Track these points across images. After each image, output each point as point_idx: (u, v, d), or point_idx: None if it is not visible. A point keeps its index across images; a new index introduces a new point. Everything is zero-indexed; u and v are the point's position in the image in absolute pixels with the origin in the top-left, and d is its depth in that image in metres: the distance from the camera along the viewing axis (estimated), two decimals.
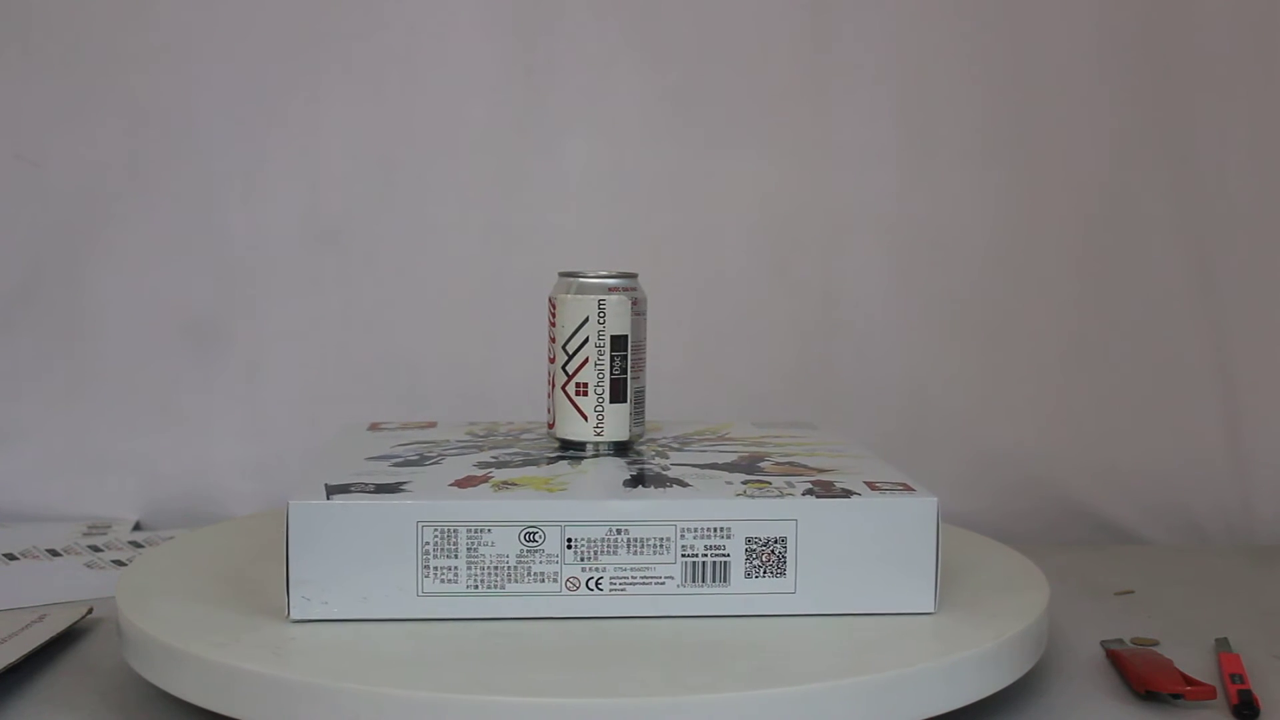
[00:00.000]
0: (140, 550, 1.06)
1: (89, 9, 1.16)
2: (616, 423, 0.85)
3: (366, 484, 0.76)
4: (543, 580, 0.73)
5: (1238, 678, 0.76)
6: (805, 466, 0.82)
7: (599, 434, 0.85)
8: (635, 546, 0.73)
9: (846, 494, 0.75)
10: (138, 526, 1.16)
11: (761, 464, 0.83)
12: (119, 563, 1.03)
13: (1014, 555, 0.88)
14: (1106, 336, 1.19)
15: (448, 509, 0.73)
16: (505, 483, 0.77)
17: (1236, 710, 0.73)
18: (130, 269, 1.19)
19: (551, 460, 0.84)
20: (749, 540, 0.73)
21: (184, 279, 1.19)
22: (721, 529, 0.73)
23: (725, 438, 0.93)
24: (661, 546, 0.73)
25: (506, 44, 1.19)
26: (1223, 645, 0.84)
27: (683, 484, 0.77)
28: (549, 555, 0.73)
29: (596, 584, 0.73)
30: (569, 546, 0.73)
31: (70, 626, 0.84)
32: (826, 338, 1.20)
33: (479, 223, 1.20)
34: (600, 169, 1.20)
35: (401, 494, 0.74)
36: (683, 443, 0.91)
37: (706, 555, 0.73)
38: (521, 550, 0.73)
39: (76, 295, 1.19)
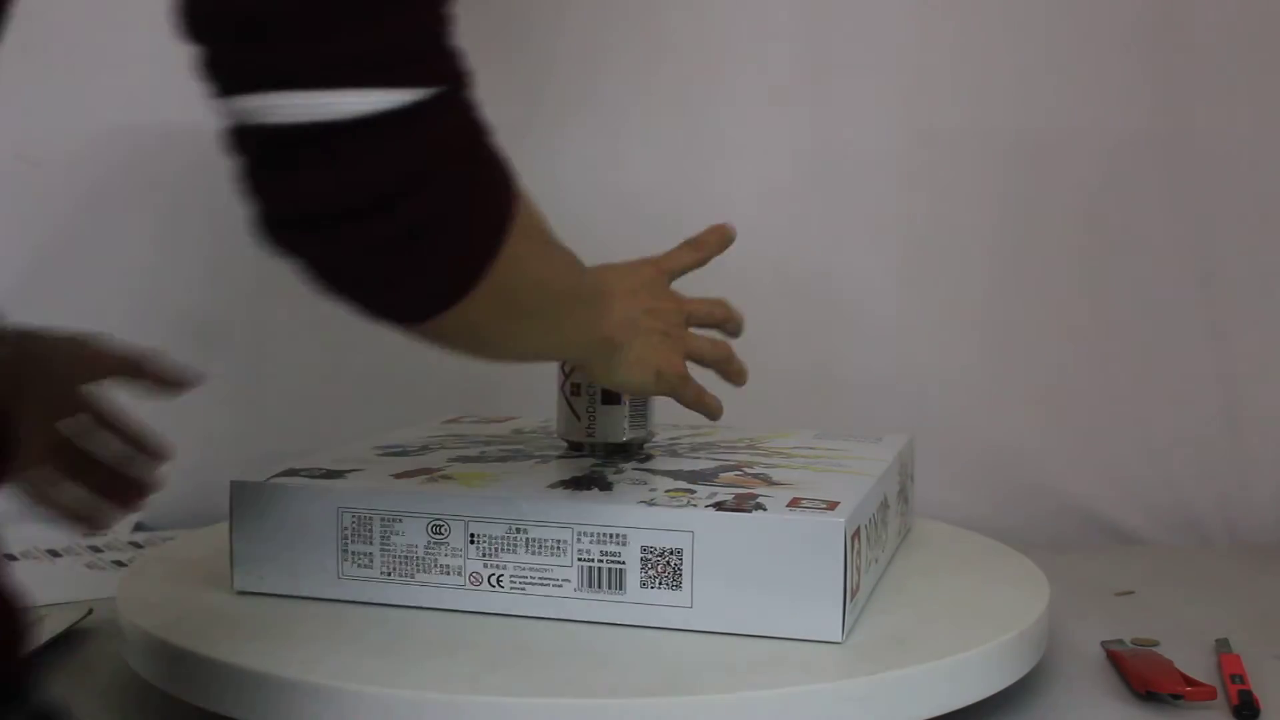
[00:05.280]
0: (140, 550, 1.06)
1: (89, 9, 1.16)
2: (610, 424, 0.84)
3: (316, 469, 0.77)
4: (448, 573, 0.73)
5: (1238, 678, 0.76)
6: (766, 479, 0.79)
7: (590, 435, 0.84)
8: (534, 547, 0.73)
9: (750, 509, 0.71)
10: (138, 527, 1.16)
11: (726, 473, 0.80)
12: (119, 563, 1.03)
13: (1014, 556, 0.88)
14: (1106, 336, 1.19)
15: (364, 497, 0.74)
16: (442, 476, 0.77)
17: (1237, 711, 0.73)
18: (130, 269, 1.19)
19: (527, 458, 0.83)
20: (644, 549, 0.71)
21: (184, 279, 1.19)
22: (618, 536, 0.72)
23: (752, 445, 0.90)
24: (558, 549, 0.72)
25: (509, 43, 1.19)
26: (1223, 646, 0.84)
27: (606, 488, 0.76)
28: (454, 549, 0.73)
29: (498, 581, 0.73)
30: (472, 542, 0.73)
31: (70, 626, 0.84)
32: (826, 338, 1.20)
33: None
34: (601, 168, 1.20)
35: (337, 479, 0.75)
36: (696, 448, 0.89)
37: (603, 561, 0.72)
38: (429, 542, 0.73)
39: (76, 295, 1.19)
